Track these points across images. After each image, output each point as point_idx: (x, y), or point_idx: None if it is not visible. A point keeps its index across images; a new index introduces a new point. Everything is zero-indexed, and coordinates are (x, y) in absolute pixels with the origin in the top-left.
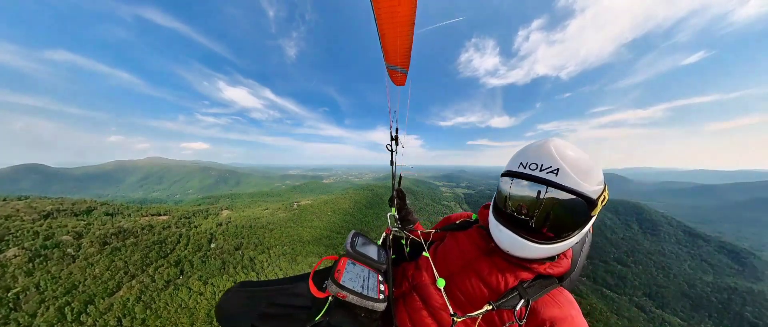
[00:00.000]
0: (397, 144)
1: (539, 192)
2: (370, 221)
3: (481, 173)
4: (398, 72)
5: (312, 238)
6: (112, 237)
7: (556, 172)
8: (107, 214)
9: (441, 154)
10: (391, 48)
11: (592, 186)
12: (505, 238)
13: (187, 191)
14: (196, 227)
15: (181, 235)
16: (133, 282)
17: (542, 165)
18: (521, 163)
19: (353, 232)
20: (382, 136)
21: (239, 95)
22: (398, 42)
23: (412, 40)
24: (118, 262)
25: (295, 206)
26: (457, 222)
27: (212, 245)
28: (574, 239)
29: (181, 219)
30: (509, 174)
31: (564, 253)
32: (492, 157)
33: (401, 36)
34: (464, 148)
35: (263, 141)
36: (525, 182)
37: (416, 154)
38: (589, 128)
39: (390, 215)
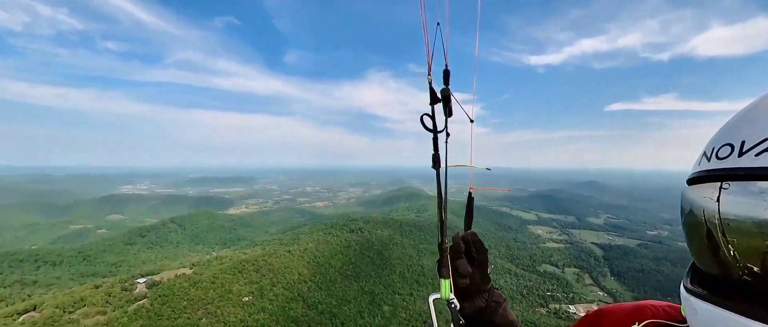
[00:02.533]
0: (447, 114)
1: None
2: (354, 318)
3: (650, 189)
4: None
5: None
6: None
7: None
8: None
9: (526, 139)
10: None
11: None
12: None
13: None
14: None
15: None
16: None
17: (744, 142)
18: (705, 154)
19: None
20: (382, 94)
21: None
22: None
23: None
24: None
25: (139, 288)
26: None
27: None
28: None
29: None
30: (698, 180)
31: None
32: (685, 143)
33: None
34: (594, 122)
35: (20, 95)
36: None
37: (466, 142)
38: None
39: (442, 300)
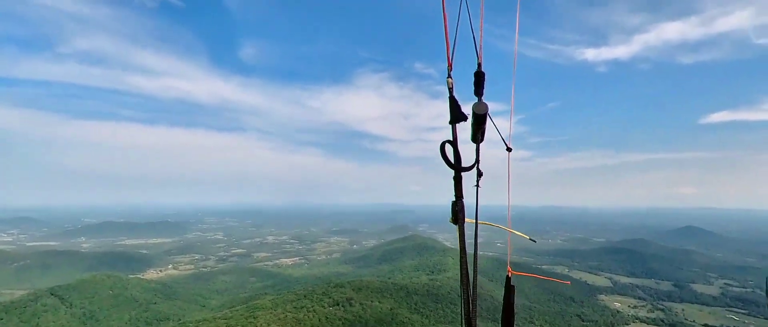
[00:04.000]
0: (478, 140)
1: None
2: None
3: None
4: None
5: None
6: None
7: None
8: None
9: (585, 165)
10: None
11: None
12: None
13: None
14: None
15: None
16: None
17: None
18: None
19: None
20: (376, 104)
21: None
22: None
23: None
24: None
25: None
26: None
27: None
28: None
29: None
30: None
31: None
32: None
33: None
34: (685, 140)
35: None
36: None
37: (491, 170)
38: None
39: None
